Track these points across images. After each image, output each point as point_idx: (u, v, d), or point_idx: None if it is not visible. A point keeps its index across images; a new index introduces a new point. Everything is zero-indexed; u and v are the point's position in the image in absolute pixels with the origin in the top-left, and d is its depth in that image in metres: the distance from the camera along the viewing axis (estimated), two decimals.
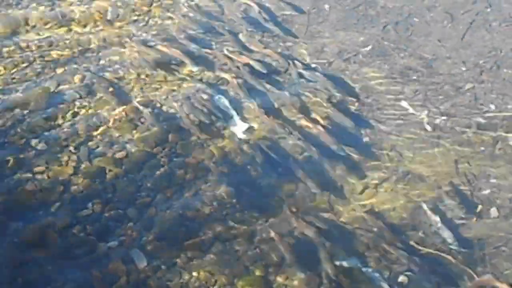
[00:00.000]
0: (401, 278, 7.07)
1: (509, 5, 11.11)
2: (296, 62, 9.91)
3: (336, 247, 7.37)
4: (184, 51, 10.03)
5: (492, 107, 9.24)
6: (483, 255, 7.33)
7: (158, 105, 9.10)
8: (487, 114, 9.12)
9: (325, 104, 9.23)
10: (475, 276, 7.05)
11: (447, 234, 7.50)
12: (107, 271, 7.07)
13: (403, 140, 8.74)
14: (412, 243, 7.42)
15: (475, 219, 7.75)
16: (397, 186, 8.15)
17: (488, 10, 11.03)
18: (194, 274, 7.06)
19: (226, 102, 9.20)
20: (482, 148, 8.65)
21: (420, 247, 7.38)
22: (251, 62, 9.86)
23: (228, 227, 7.54)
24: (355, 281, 7.07)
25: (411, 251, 7.33)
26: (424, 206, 7.85)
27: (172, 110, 9.02)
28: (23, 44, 10.02)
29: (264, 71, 9.74)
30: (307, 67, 9.89)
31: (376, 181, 8.19)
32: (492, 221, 7.73)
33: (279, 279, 7.06)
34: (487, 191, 8.08)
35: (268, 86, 9.49)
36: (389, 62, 10.00)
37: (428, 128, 8.93)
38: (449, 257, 7.27)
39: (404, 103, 9.29)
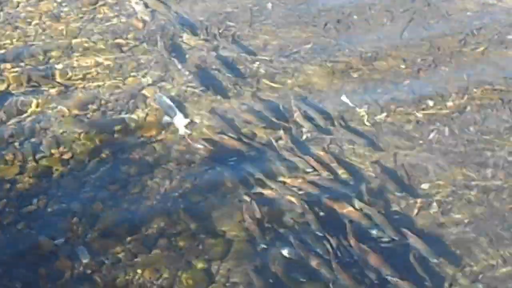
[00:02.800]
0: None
1: (447, 3, 11.20)
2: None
3: (281, 237, 7.38)
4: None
5: (430, 103, 9.34)
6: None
7: (103, 102, 9.00)
8: (426, 110, 9.22)
9: (268, 99, 9.27)
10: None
11: (385, 227, 7.54)
12: (52, 268, 6.99)
13: (343, 134, 8.75)
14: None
15: (416, 212, 7.81)
16: (339, 175, 8.22)
17: (426, 8, 11.11)
18: (139, 270, 6.99)
19: (169, 98, 9.12)
20: (421, 142, 8.74)
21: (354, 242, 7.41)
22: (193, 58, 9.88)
23: (172, 222, 7.48)
24: (297, 271, 7.08)
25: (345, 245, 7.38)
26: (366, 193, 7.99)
27: (116, 107, 8.92)
28: None
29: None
30: (250, 64, 9.87)
31: (316, 173, 8.20)
32: (432, 215, 7.80)
33: (222, 272, 7.03)
34: (426, 185, 8.16)
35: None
36: (329, 59, 10.00)
37: (368, 123, 8.99)
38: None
39: (344, 99, 9.32)
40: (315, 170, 8.23)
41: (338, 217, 7.67)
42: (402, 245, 7.41)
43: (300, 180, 8.09)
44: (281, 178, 8.11)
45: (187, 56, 9.97)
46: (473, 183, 8.21)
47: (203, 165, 8.22)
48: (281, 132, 8.68)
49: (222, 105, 9.12)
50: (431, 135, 8.84)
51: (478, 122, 9.05)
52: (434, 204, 7.93)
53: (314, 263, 7.10)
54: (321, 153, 8.49)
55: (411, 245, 7.38)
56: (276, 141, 8.58)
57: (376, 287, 6.94)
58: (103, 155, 8.24)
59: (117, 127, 8.66)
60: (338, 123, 8.91)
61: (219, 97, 9.21)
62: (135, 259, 7.11)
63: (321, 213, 7.69)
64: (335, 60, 10.00)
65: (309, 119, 8.95)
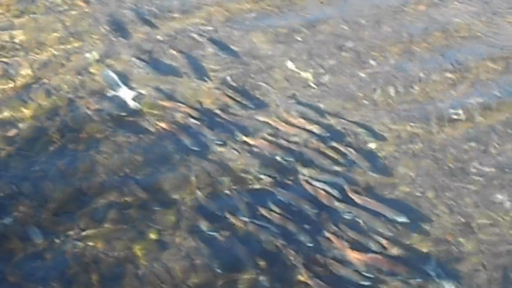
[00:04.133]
0: None
1: None
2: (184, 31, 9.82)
3: (229, 207, 7.36)
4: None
5: (373, 63, 9.33)
6: None
7: (47, 80, 8.84)
8: (369, 70, 9.22)
9: (217, 71, 9.17)
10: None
11: (315, 183, 7.61)
12: (3, 249, 6.87)
13: (290, 98, 8.74)
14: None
15: (363, 171, 7.84)
16: (287, 136, 8.22)
17: None
18: (91, 243, 6.92)
19: (114, 72, 9.00)
20: (365, 102, 8.74)
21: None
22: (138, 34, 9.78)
23: (122, 195, 7.41)
24: (247, 237, 7.09)
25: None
26: (308, 155, 8.00)
27: (61, 85, 8.78)
28: None
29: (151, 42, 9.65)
30: (195, 35, 9.76)
31: (264, 134, 8.25)
32: (379, 172, 7.84)
33: (176, 240, 6.99)
34: (372, 144, 8.18)
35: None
36: (273, 26, 9.94)
37: (314, 85, 8.96)
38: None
39: (289, 64, 9.28)
40: (264, 134, 8.23)
41: (284, 180, 7.69)
42: (350, 203, 7.45)
43: (249, 145, 8.08)
44: (230, 145, 8.07)
45: (131, 32, 9.82)
46: (418, 138, 8.26)
47: (152, 137, 8.13)
48: (229, 100, 8.62)
49: (169, 76, 9.01)
50: (375, 94, 8.85)
51: (422, 78, 9.08)
52: (381, 158, 7.99)
53: (261, 229, 7.14)
54: (269, 117, 8.47)
55: (360, 204, 7.43)
56: (224, 110, 8.53)
57: (323, 247, 6.98)
58: (51, 134, 8.09)
59: (63, 104, 8.49)
60: (284, 87, 8.89)
61: (166, 68, 9.11)
62: (87, 233, 7.03)
63: (270, 178, 7.69)
64: (278, 26, 9.95)
65: (255, 85, 8.91)
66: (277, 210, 7.31)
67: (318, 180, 7.64)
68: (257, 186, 7.60)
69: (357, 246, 6.98)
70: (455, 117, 8.56)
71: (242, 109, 8.54)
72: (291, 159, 7.91)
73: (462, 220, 7.34)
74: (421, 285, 6.71)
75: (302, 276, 6.71)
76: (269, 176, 7.69)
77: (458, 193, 7.61)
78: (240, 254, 6.90)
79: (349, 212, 7.34)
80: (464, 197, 7.57)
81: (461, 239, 7.15)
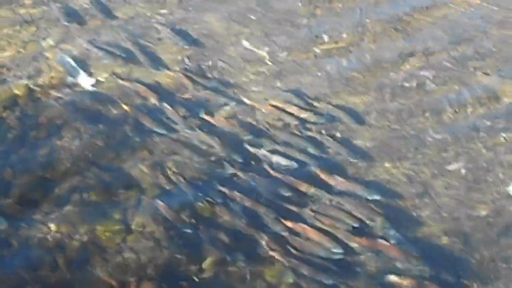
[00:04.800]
0: None
1: None
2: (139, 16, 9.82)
3: (192, 188, 7.37)
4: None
5: (326, 38, 9.42)
6: None
7: (5, 68, 8.78)
8: (323, 46, 9.30)
9: (173, 53, 9.18)
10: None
11: (275, 159, 7.65)
12: None
13: (247, 76, 8.80)
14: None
15: (319, 141, 7.94)
16: (246, 113, 8.31)
17: None
18: (55, 228, 6.89)
19: (72, 59, 8.95)
20: (319, 74, 8.87)
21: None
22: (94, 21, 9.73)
23: (84, 179, 7.39)
24: (208, 213, 7.14)
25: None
26: (268, 131, 8.06)
27: (18, 73, 8.72)
28: None
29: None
30: (150, 19, 9.76)
31: (224, 114, 8.29)
32: (337, 141, 7.94)
33: (138, 220, 7.00)
34: (327, 115, 8.27)
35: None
36: (226, 5, 9.98)
37: (270, 63, 9.04)
38: None
39: (245, 43, 9.33)
40: (223, 113, 8.30)
41: (245, 158, 7.75)
42: (302, 171, 7.56)
43: (210, 124, 8.12)
44: (190, 125, 8.09)
45: (87, 18, 9.78)
46: (373, 108, 8.38)
47: (112, 121, 8.12)
48: (187, 81, 8.64)
49: (127, 61, 9.00)
50: (330, 67, 8.95)
51: (374, 51, 9.18)
52: (338, 131, 8.07)
53: (225, 210, 7.18)
54: (227, 96, 8.52)
55: (313, 174, 7.52)
56: (183, 91, 8.56)
57: (288, 226, 7.03)
58: (10, 122, 8.04)
59: (22, 92, 8.44)
60: (241, 66, 8.96)
61: (123, 53, 9.09)
62: (51, 218, 7.00)
63: (230, 157, 7.73)
64: (233, 5, 10.00)
65: (212, 66, 8.96)
66: (239, 190, 7.34)
67: (277, 154, 7.70)
68: (218, 165, 7.63)
69: (322, 223, 7.03)
70: (408, 86, 8.68)
71: (201, 89, 8.57)
72: (250, 136, 7.96)
73: (420, 188, 7.45)
74: (385, 254, 6.80)
75: (269, 254, 6.75)
76: (230, 155, 7.72)
77: (415, 162, 7.72)
78: (205, 235, 6.92)
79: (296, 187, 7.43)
80: (421, 166, 7.68)
81: (420, 207, 7.26)
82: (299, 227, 6.94)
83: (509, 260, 6.71)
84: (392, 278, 6.53)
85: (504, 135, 8.08)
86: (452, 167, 7.72)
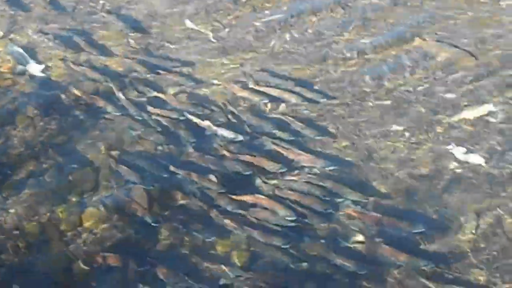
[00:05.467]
0: None
1: None
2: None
3: (145, 163, 7.52)
4: None
5: (268, 12, 9.64)
6: None
7: None
8: (264, 19, 9.53)
9: (119, 36, 9.32)
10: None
11: (224, 133, 7.83)
12: None
13: (193, 55, 8.99)
14: None
15: (267, 113, 8.16)
16: (194, 91, 8.49)
17: None
18: (13, 211, 6.98)
19: (21, 47, 9.03)
20: (263, 50, 9.08)
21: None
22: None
23: (39, 163, 7.49)
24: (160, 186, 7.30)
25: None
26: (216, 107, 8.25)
27: None
28: None
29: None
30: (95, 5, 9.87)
31: (177, 90, 8.48)
32: (281, 113, 8.13)
33: (96, 199, 7.13)
34: (273, 88, 8.44)
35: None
36: None
37: (214, 40, 9.24)
38: None
39: (188, 22, 9.50)
40: (172, 92, 8.46)
41: (193, 127, 7.95)
42: (250, 144, 7.76)
43: (160, 101, 8.31)
44: (136, 104, 8.24)
45: (32, 6, 9.83)
46: (317, 79, 8.59)
47: (63, 106, 8.23)
48: (134, 64, 8.79)
49: (74, 47, 9.10)
50: (273, 42, 9.16)
51: (315, 22, 9.40)
52: (283, 104, 8.26)
53: (173, 179, 7.34)
54: (175, 74, 8.69)
55: (261, 146, 7.73)
56: (131, 72, 8.71)
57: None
58: None
59: None
60: (186, 46, 9.14)
61: (69, 40, 9.18)
62: (8, 202, 7.08)
63: (176, 126, 7.95)
64: None
65: (158, 46, 9.14)
66: (192, 167, 7.48)
67: (226, 129, 7.87)
68: (170, 143, 7.77)
69: (274, 193, 7.22)
70: (349, 55, 8.93)
71: (148, 70, 8.70)
72: (200, 113, 8.11)
73: (365, 152, 7.68)
74: (335, 213, 7.01)
75: (224, 224, 6.90)
76: (181, 132, 7.86)
77: (358, 127, 7.95)
78: (160, 211, 7.05)
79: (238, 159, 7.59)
80: (364, 131, 7.92)
81: (365, 169, 7.47)
82: (252, 198, 7.10)
83: (450, 213, 6.95)
84: (343, 243, 6.75)
85: (442, 95, 8.33)
86: (394, 128, 7.95)
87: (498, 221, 6.85)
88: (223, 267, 6.41)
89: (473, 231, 6.75)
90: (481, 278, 6.33)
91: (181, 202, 7.13)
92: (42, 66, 8.73)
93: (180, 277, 6.34)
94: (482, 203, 7.02)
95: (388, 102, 8.28)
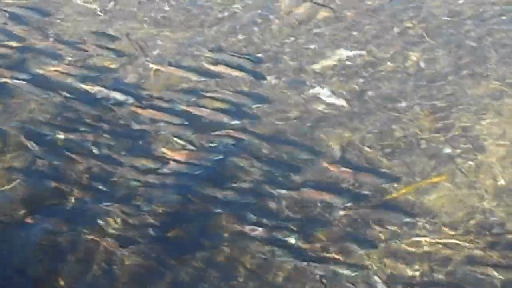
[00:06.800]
0: None
1: None
2: None
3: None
4: None
5: None
6: None
7: None
8: None
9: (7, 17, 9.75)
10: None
11: (112, 95, 8.46)
12: None
13: (83, 28, 9.57)
14: None
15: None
16: (83, 65, 9.01)
17: None
18: None
19: None
20: (145, 19, 9.74)
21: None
22: None
23: None
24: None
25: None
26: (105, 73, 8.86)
27: None
28: None
29: None
30: None
31: (64, 63, 9.00)
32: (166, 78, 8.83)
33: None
34: (156, 51, 9.18)
35: None
36: None
37: (101, 14, 9.82)
38: None
39: (78, 1, 10.07)
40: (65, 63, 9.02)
41: (86, 97, 8.53)
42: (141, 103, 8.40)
43: (42, 76, 8.81)
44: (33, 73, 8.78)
45: None
46: (194, 40, 9.35)
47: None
48: (29, 41, 9.31)
49: None
50: (154, 12, 9.83)
51: None
52: (164, 64, 8.96)
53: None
54: (67, 49, 9.22)
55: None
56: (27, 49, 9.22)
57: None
58: None
59: None
60: (77, 21, 9.70)
61: None
62: None
63: (60, 96, 8.46)
64: None
65: (52, 23, 9.64)
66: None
67: (114, 91, 8.52)
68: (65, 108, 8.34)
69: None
70: (221, 16, 9.74)
71: (42, 47, 9.24)
72: (89, 82, 8.70)
73: (238, 101, 8.42)
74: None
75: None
76: (70, 103, 8.39)
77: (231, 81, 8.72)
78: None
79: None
80: (235, 85, 8.70)
81: (238, 118, 8.18)
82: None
83: (318, 147, 7.81)
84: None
85: (307, 46, 9.17)
86: (266, 80, 8.70)
87: (359, 151, 7.76)
88: None
89: (338, 160, 7.64)
90: (342, 200, 7.23)
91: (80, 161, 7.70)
92: None
93: None
94: (345, 137, 7.91)
95: (259, 54, 9.06)
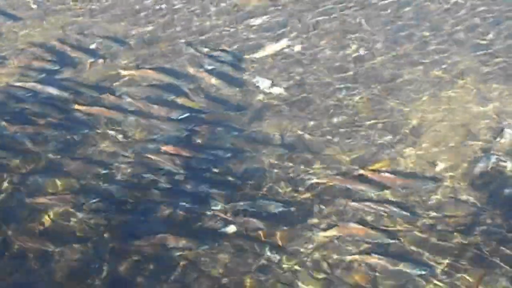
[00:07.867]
0: None
1: None
2: None
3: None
4: None
5: None
6: None
7: None
8: None
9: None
10: None
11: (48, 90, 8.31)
12: None
13: (19, 21, 9.51)
14: None
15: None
16: (18, 56, 8.87)
17: None
18: None
19: None
20: (82, 11, 9.69)
21: None
22: None
23: None
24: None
25: None
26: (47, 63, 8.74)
27: None
28: None
29: None
30: None
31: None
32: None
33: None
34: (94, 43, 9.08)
35: None
36: None
37: (35, 6, 9.72)
38: None
39: None
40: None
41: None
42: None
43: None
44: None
45: None
46: (133, 32, 9.27)
47: None
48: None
49: None
50: (91, 4, 9.75)
51: None
52: (108, 54, 8.88)
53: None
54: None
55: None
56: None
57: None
58: None
59: None
60: (12, 13, 9.61)
61: None
62: None
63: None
64: None
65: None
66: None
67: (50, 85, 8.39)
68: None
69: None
70: (158, 8, 9.71)
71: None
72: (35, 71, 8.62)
73: (185, 86, 8.41)
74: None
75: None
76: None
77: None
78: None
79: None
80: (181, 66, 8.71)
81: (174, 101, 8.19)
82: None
83: (260, 135, 7.74)
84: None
85: (245, 36, 9.15)
86: (205, 68, 8.63)
87: (298, 138, 7.68)
88: None
89: (279, 146, 7.55)
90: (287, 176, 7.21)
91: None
92: None
93: None
94: (284, 125, 7.84)
95: (204, 49, 8.96)
